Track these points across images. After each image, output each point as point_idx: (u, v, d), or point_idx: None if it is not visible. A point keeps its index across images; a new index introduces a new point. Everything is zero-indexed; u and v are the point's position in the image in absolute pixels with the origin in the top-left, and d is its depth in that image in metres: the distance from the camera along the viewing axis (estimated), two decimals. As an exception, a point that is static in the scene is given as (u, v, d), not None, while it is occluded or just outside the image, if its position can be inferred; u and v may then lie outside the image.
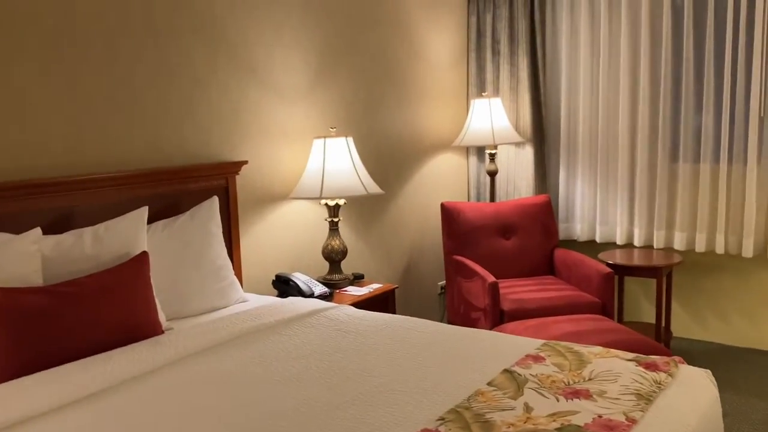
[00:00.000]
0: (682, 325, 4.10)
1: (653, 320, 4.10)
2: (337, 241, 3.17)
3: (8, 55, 2.21)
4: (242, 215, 3.01)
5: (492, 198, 4.25)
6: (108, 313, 2.07)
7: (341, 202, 3.15)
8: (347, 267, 3.58)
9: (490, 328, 3.42)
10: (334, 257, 3.17)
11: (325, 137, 3.06)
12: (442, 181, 4.32)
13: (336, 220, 3.17)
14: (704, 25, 3.78)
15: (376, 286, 3.19)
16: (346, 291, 3.10)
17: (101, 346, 2.05)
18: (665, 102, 3.89)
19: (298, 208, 3.28)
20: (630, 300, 4.30)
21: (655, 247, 4.00)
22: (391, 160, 3.88)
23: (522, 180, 4.32)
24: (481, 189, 4.51)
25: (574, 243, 4.49)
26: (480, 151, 4.46)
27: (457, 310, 3.87)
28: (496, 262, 3.94)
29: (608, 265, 3.77)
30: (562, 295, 3.50)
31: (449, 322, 4.14)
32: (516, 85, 4.29)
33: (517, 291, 3.60)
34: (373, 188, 3.09)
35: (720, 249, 3.76)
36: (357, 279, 3.28)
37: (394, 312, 3.21)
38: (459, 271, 3.86)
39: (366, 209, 3.72)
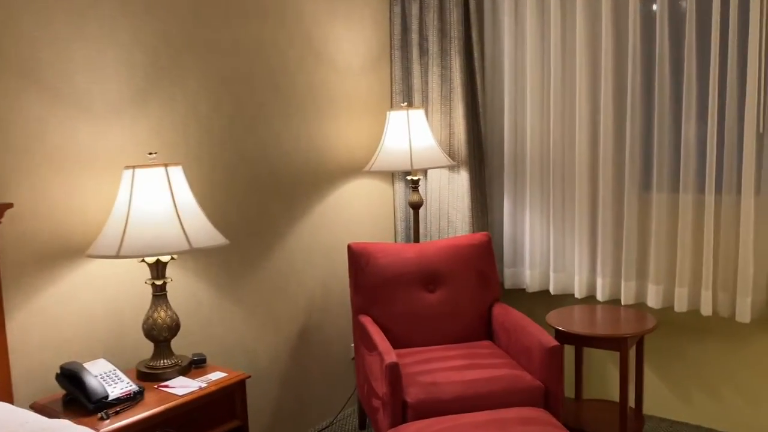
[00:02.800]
0: (660, 402, 3.16)
1: (623, 396, 3.17)
2: (163, 313, 2.25)
3: None
4: (12, 280, 2.09)
5: (416, 237, 3.33)
6: None
7: (165, 258, 2.23)
8: (202, 341, 2.66)
9: (388, 428, 2.48)
10: (157, 335, 2.25)
11: (134, 168, 2.14)
12: (358, 216, 3.40)
13: (160, 282, 2.25)
14: (682, 17, 2.87)
15: (217, 376, 2.26)
16: (167, 387, 2.17)
17: None
18: (634, 114, 2.97)
19: (112, 265, 2.36)
20: (593, 369, 3.36)
21: (623, 302, 3.07)
22: (276, 191, 2.96)
23: (457, 213, 3.40)
24: (411, 224, 3.60)
25: (523, 294, 3.56)
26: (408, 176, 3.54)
27: (362, 391, 2.94)
28: (415, 324, 3.01)
29: (557, 333, 2.84)
30: (492, 377, 2.57)
31: (359, 401, 3.21)
32: (449, 93, 3.38)
33: (434, 368, 2.67)
34: (205, 240, 2.17)
35: (707, 310, 2.83)
36: (196, 364, 2.35)
37: (242, 416, 2.28)
38: (363, 338, 2.93)
39: (236, 257, 2.80)
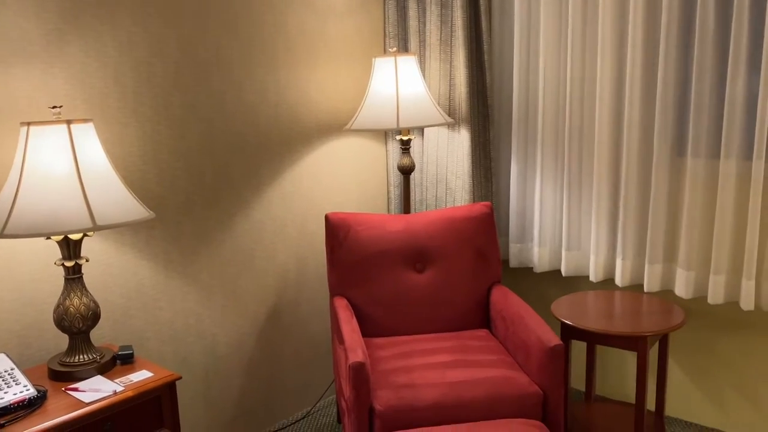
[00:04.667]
0: (688, 405, 2.71)
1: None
2: (76, 300, 1.87)
3: None
4: None
5: (406, 207, 2.88)
6: None
7: (75, 235, 1.83)
8: (146, 328, 2.29)
9: (352, 438, 2.09)
10: (69, 326, 1.87)
11: (29, 125, 1.73)
12: (343, 181, 2.96)
13: (71, 264, 1.86)
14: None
15: (142, 376, 1.89)
16: (76, 390, 1.80)
17: None
18: (668, 63, 2.44)
19: (21, 243, 1.98)
20: (609, 363, 2.91)
21: (646, 289, 2.59)
22: (238, 152, 2.53)
23: (457, 179, 2.93)
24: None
25: (530, 274, 3.09)
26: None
27: (338, 385, 2.56)
28: (399, 309, 2.59)
29: (564, 326, 2.39)
30: (480, 378, 2.15)
31: (337, 403, 2.84)
32: (449, 37, 2.87)
33: (414, 365, 2.26)
34: (118, 214, 1.76)
35: (748, 303, 2.33)
36: (122, 360, 1.98)
37: (172, 424, 1.91)
38: (335, 325, 2.52)
39: (188, 230, 2.40)
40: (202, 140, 2.40)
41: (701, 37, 2.35)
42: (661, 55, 2.43)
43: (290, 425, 2.81)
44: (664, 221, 2.54)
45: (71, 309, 1.86)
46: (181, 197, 2.36)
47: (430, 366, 2.25)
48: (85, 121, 1.80)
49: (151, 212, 1.87)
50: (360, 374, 2.02)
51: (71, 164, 1.72)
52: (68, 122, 1.74)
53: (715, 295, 2.40)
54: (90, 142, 1.79)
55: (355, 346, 2.12)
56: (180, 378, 1.90)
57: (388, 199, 3.18)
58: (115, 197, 1.78)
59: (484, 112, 2.92)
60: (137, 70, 2.19)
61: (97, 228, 1.69)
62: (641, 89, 2.52)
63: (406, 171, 2.81)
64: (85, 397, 1.76)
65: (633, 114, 2.53)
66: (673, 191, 2.53)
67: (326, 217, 2.64)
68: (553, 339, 2.11)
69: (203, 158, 2.41)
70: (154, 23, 2.22)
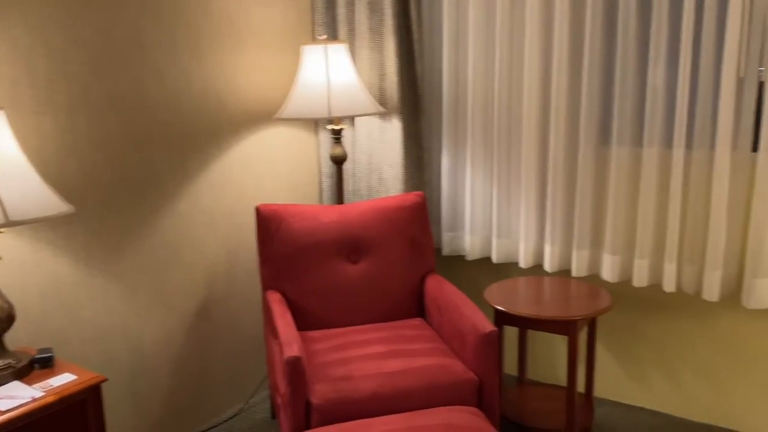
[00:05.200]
0: (615, 385, 2.80)
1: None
2: (-12, 302, 1.75)
3: None
4: None
5: (339, 198, 2.85)
6: None
7: (-14, 231, 1.71)
8: (66, 328, 2.16)
9: (289, 433, 2.06)
10: (-19, 330, 1.75)
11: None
12: (274, 172, 2.90)
13: (-18, 263, 1.74)
14: (655, -69, 2.37)
15: (64, 380, 1.78)
16: (-11, 398, 1.69)
17: None
18: (593, 56, 2.50)
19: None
20: (540, 348, 2.98)
21: (574, 274, 2.66)
22: (162, 144, 2.43)
23: (389, 169, 2.91)
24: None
25: (463, 262, 3.13)
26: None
27: (272, 380, 2.51)
28: (334, 301, 2.56)
29: (497, 313, 2.43)
30: (416, 367, 2.15)
31: (271, 399, 2.79)
32: (379, 26, 2.85)
33: (350, 356, 2.23)
34: (34, 209, 1.65)
35: (670, 285, 2.43)
36: (41, 364, 1.87)
37: (98, 429, 1.81)
38: (268, 319, 2.47)
39: (111, 225, 2.29)
40: (123, 130, 2.29)
41: (624, 29, 2.42)
42: (586, 46, 2.49)
43: (222, 423, 2.74)
44: (590, 208, 2.61)
45: (-17, 311, 1.74)
46: (103, 191, 2.25)
47: (366, 357, 2.23)
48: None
49: (71, 206, 1.76)
50: (296, 368, 1.99)
51: (-21, 156, 1.60)
52: (-25, 110, 1.62)
53: (640, 278, 2.49)
54: (0, 132, 1.67)
55: (291, 340, 2.08)
56: (105, 380, 1.81)
57: (320, 189, 3.14)
58: (29, 191, 1.67)
59: (415, 102, 2.92)
60: (50, 57, 2.06)
61: (9, 224, 1.58)
62: (567, 80, 2.57)
63: (338, 161, 2.78)
64: (8, 399, 1.65)
65: (560, 104, 2.59)
66: (599, 179, 2.61)
67: (257, 209, 2.58)
68: (488, 325, 2.13)
69: (125, 149, 2.30)
70: (68, 4, 2.09)
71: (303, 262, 2.56)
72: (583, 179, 2.58)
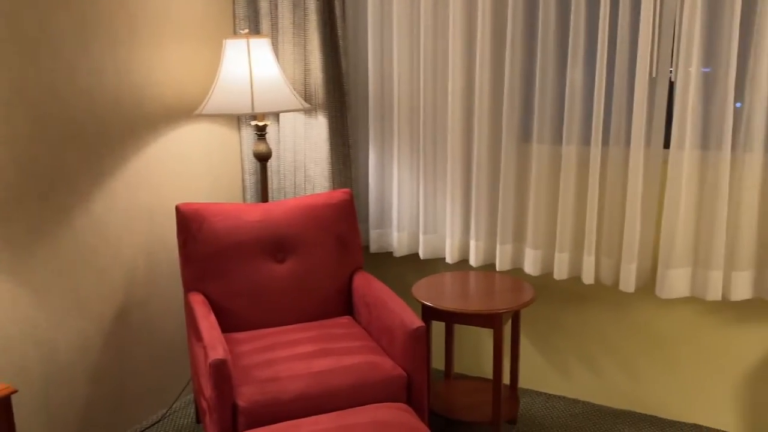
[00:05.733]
0: (537, 375, 2.88)
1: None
2: None
3: None
4: None
5: (263, 196, 2.79)
6: None
7: None
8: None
9: (215, 439, 2.00)
10: None
11: None
12: (194, 170, 2.81)
13: None
14: (572, -66, 2.44)
15: (-33, 393, 1.67)
16: None
17: None
18: (514, 57, 2.55)
19: None
20: (466, 342, 3.02)
21: (498, 268, 2.71)
22: (73, 141, 2.31)
23: (315, 166, 2.88)
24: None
25: (390, 259, 3.14)
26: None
27: (195, 384, 2.43)
28: (260, 302, 2.51)
29: (424, 308, 2.44)
30: (345, 366, 2.13)
31: (195, 403, 2.71)
32: (302, 21, 2.81)
33: (277, 357, 2.20)
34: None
35: (588, 277, 2.52)
36: (-59, 376, 1.74)
37: (5, 441, 1.71)
38: (191, 322, 2.40)
39: (19, 227, 2.15)
40: (31, 126, 2.16)
41: (543, 30, 2.48)
42: (508, 46, 2.54)
43: (145, 429, 2.64)
44: (512, 204, 2.67)
45: None
46: (9, 190, 2.11)
47: (293, 357, 2.20)
48: None
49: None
50: (221, 372, 1.93)
51: None
52: None
53: (560, 271, 2.57)
54: None
55: (215, 343, 2.02)
56: (15, 391, 1.70)
57: (243, 187, 3.07)
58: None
59: (341, 99, 2.90)
60: (-52, 45, 1.91)
61: None
62: (490, 79, 2.62)
63: (262, 158, 2.72)
64: None
65: (483, 102, 2.63)
66: (521, 175, 2.67)
67: (177, 209, 2.49)
68: (416, 321, 2.14)
69: (34, 147, 2.17)
70: (-32, -8, 1.95)
71: (227, 263, 2.50)
72: (506, 176, 2.63)
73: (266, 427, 1.87)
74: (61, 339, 2.32)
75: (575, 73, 2.47)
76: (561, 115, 2.55)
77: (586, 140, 2.52)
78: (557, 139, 2.57)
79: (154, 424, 2.69)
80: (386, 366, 2.16)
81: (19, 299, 2.17)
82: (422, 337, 2.14)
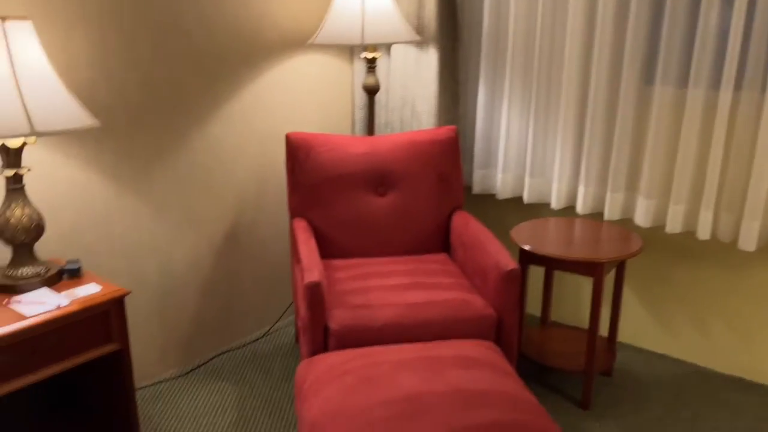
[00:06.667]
0: (639, 331, 2.77)
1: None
2: (18, 211, 1.79)
3: None
4: None
5: (370, 129, 2.81)
6: None
7: (13, 142, 1.73)
8: (97, 242, 2.22)
9: (307, 356, 2.09)
10: (11, 237, 1.80)
11: (-42, 19, 1.60)
12: (306, 99, 2.87)
13: (11, 173, 1.77)
14: None
15: (89, 290, 1.84)
16: (19, 302, 1.75)
17: None
18: (644, -15, 2.36)
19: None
20: (566, 289, 2.94)
21: (606, 217, 2.59)
22: (193, 65, 2.42)
23: (424, 102, 2.85)
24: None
25: (493, 201, 3.08)
26: (368, 54, 2.95)
27: (297, 307, 2.54)
28: (359, 232, 2.56)
29: (522, 252, 2.39)
30: (436, 300, 2.15)
31: (296, 324, 2.84)
32: (420, -48, 2.73)
33: (371, 286, 2.25)
34: (62, 121, 1.66)
35: (704, 233, 2.35)
36: (69, 274, 1.92)
37: (121, 339, 1.87)
38: (294, 246, 2.49)
39: (140, 144, 2.31)
40: (155, 50, 2.28)
41: (678, -42, 2.27)
42: (637, -24, 2.35)
43: (247, 344, 2.82)
44: (628, 150, 2.51)
45: (12, 220, 1.79)
46: (133, 110, 2.26)
47: (387, 287, 2.24)
48: (22, 18, 1.67)
49: (96, 120, 1.77)
50: (315, 293, 2.01)
51: (6, 65, 1.61)
52: (2, 19, 1.62)
53: (674, 224, 2.41)
54: (27, 42, 1.67)
55: (312, 266, 2.10)
56: (129, 293, 1.86)
57: (353, 120, 3.10)
58: (55, 103, 1.68)
59: (454, 33, 2.82)
60: (82, -32, 2.04)
61: (35, 133, 1.60)
62: (614, 15, 2.44)
63: (371, 91, 2.73)
64: (26, 309, 1.71)
65: (604, 39, 2.46)
66: (639, 119, 2.50)
67: (287, 137, 2.56)
68: (510, 263, 2.11)
69: (156, 69, 2.30)
70: None
71: (330, 192, 2.56)
72: (623, 119, 2.47)
73: (354, 350, 1.94)
74: (177, 252, 2.50)
75: (710, 14, 2.24)
76: (689, 56, 2.35)
77: (715, 84, 2.31)
78: (683, 81, 2.38)
79: (256, 339, 2.86)
80: (477, 304, 2.15)
81: (140, 212, 2.35)
82: (515, 279, 2.10)
